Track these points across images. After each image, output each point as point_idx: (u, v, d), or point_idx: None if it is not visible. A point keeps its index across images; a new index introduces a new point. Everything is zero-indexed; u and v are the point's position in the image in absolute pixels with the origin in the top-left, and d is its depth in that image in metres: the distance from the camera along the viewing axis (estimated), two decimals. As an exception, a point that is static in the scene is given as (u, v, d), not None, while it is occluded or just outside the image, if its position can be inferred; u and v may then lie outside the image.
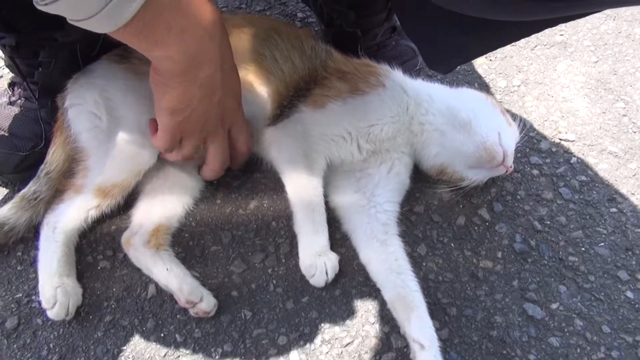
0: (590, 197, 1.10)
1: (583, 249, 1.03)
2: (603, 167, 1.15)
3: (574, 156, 1.16)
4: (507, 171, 1.01)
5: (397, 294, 0.91)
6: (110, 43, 1.12)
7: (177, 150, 0.92)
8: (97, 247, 1.03)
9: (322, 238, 0.98)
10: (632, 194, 1.10)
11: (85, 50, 1.12)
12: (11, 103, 1.13)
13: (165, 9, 0.65)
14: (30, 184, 1.03)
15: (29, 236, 1.03)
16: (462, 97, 1.09)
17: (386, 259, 0.95)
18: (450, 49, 0.94)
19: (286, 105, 1.05)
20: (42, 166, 1.04)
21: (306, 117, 1.02)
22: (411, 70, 1.25)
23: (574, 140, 1.19)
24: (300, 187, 1.00)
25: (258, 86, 1.04)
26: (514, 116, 1.11)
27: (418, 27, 0.98)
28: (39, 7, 0.59)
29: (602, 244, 1.03)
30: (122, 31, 0.63)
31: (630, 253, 1.02)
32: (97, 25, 0.61)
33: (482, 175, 1.02)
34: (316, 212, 0.99)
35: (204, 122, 0.87)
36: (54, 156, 1.05)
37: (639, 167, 1.14)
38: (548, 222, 1.06)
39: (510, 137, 1.03)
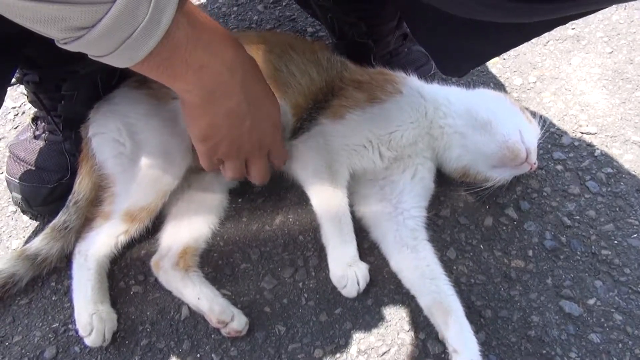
0: (618, 189, 1.08)
1: (615, 241, 1.01)
2: (628, 158, 1.13)
3: (597, 149, 1.15)
4: (531, 168, 1.00)
5: (433, 300, 0.90)
6: (130, 70, 1.14)
7: (222, 171, 0.95)
8: (128, 272, 1.04)
9: (351, 248, 0.98)
10: (661, 182, 1.08)
11: (106, 80, 1.15)
12: (36, 137, 1.16)
13: (183, 45, 0.66)
14: (60, 214, 1.04)
15: (62, 266, 1.04)
16: (480, 98, 1.09)
17: (418, 265, 0.95)
18: (461, 54, 0.94)
19: (306, 119, 1.05)
20: (70, 196, 1.06)
21: (327, 129, 1.03)
22: (426, 75, 1.25)
23: (595, 133, 1.18)
24: (326, 200, 1.00)
25: (281, 100, 1.05)
26: (532, 113, 1.10)
27: (427, 35, 0.98)
28: (59, 46, 0.61)
29: (634, 235, 1.01)
30: (141, 66, 0.65)
31: (664, 243, 1.00)
32: (117, 61, 0.63)
33: (507, 174, 1.02)
34: (343, 223, 0.99)
35: (238, 147, 0.88)
36: (81, 185, 1.06)
37: (665, 155, 1.13)
38: (577, 217, 1.05)
39: (532, 134, 1.03)
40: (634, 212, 1.05)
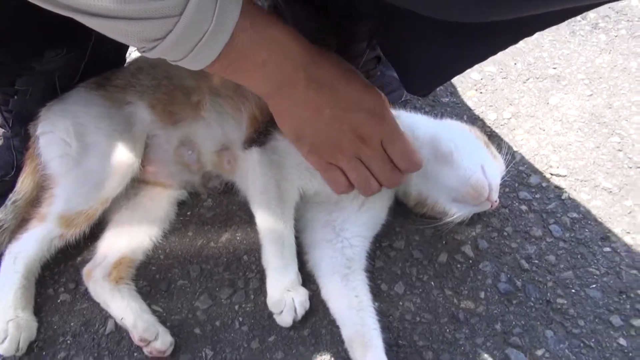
0: (582, 236, 1.03)
1: (573, 290, 0.96)
2: (596, 204, 1.08)
3: (566, 192, 1.10)
4: (491, 206, 0.95)
5: (356, 332, 0.86)
6: (91, 73, 1.11)
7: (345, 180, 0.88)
8: (59, 279, 0.99)
9: (291, 273, 0.93)
10: (627, 232, 1.03)
11: (65, 80, 1.11)
12: (-15, 131, 1.12)
13: (248, 47, 0.71)
14: (-4, 213, 1.00)
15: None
16: (445, 129, 1.05)
17: (347, 294, 0.90)
18: (427, 68, 0.91)
19: (262, 132, 1.01)
20: (11, 195, 1.02)
21: (280, 145, 0.99)
22: (396, 102, 1.22)
23: (565, 176, 1.14)
24: (271, 219, 0.95)
25: (234, 111, 1.02)
26: (500, 148, 1.06)
27: (395, 45, 0.95)
28: (140, 53, 0.67)
29: (593, 285, 0.96)
30: (212, 68, 0.70)
31: (624, 296, 0.94)
32: (190, 64, 0.69)
33: (467, 210, 0.97)
34: (286, 245, 0.94)
35: (335, 143, 0.84)
36: (23, 185, 1.02)
37: (635, 204, 1.08)
38: (536, 261, 1.00)
39: (495, 170, 0.98)
40: (595, 261, 0.99)
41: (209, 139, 1.03)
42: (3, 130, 1.11)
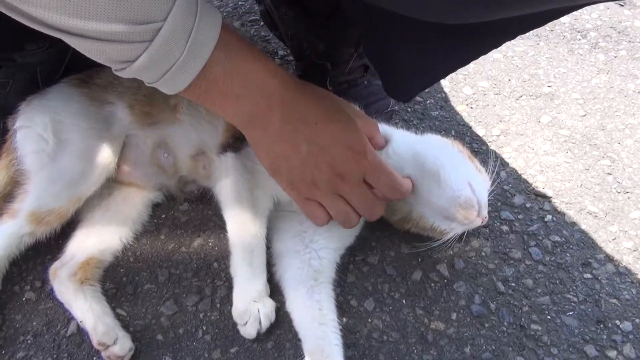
0: (562, 260, 1.01)
1: (549, 317, 0.93)
2: (580, 228, 1.05)
3: (549, 214, 1.08)
4: (482, 222, 0.93)
5: (316, 345, 0.83)
6: (75, 69, 1.10)
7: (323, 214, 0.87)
8: (27, 276, 0.98)
9: (259, 283, 0.91)
10: (610, 259, 1.00)
11: (47, 75, 1.10)
12: (-35, 122, 1.11)
13: (220, 79, 0.70)
14: (-32, 206, 0.99)
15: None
16: (427, 145, 1.02)
17: (311, 306, 0.88)
18: (410, 71, 0.89)
19: (239, 137, 1.00)
20: (-17, 189, 1.00)
21: None
22: (382, 111, 1.19)
23: (551, 197, 1.11)
24: (241, 226, 0.94)
25: (211, 116, 1.00)
26: (486, 165, 1.03)
27: (378, 49, 0.93)
28: (115, 73, 0.67)
29: (570, 313, 0.93)
30: (183, 94, 0.71)
31: (601, 326, 0.91)
32: (163, 89, 0.69)
33: (459, 228, 0.94)
34: (255, 254, 0.92)
35: (311, 177, 0.82)
36: (-3, 179, 1.01)
37: (621, 230, 1.05)
38: (513, 284, 0.97)
39: (482, 186, 0.96)
40: (574, 287, 0.97)
41: (184, 143, 1.02)
42: (-18, 122, 1.10)
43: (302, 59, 1.20)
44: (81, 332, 0.90)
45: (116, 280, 0.97)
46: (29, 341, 0.89)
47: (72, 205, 0.96)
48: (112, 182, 1.04)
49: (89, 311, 0.88)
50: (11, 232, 0.94)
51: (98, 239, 0.99)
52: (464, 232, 0.96)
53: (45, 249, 0.99)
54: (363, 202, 0.85)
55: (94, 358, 0.87)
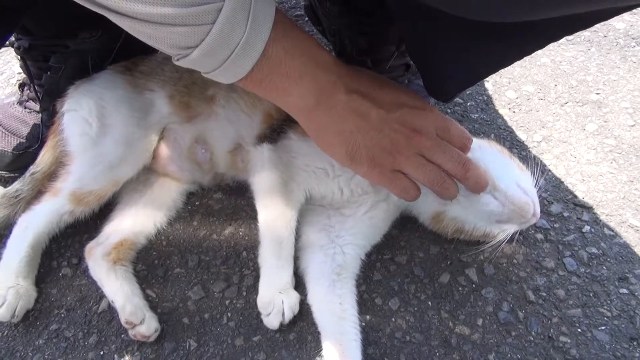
0: (598, 273, 0.97)
1: (579, 330, 0.90)
2: (619, 241, 1.01)
3: (588, 225, 1.04)
4: (536, 220, 0.91)
5: (334, 340, 0.83)
6: (124, 56, 1.14)
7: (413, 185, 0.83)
8: (64, 253, 1.02)
9: (286, 275, 0.92)
10: (650, 275, 0.96)
11: (98, 61, 1.14)
12: (19, 103, 1.17)
13: (282, 60, 0.69)
14: (15, 182, 1.04)
15: (4, 233, 1.02)
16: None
17: (332, 300, 0.88)
18: (450, 71, 0.88)
19: (276, 129, 1.01)
20: (31, 167, 1.05)
21: (293, 145, 0.98)
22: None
23: (590, 207, 1.07)
24: (273, 217, 0.95)
25: (249, 107, 1.01)
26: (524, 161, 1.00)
27: (420, 47, 0.92)
28: (174, 62, 0.67)
29: (603, 327, 0.90)
30: (245, 82, 0.69)
31: (635, 343, 0.88)
32: (223, 77, 0.68)
33: (512, 229, 0.92)
34: (284, 246, 0.93)
35: (391, 145, 0.79)
36: (43, 158, 1.06)
37: (663, 246, 1.00)
38: (544, 294, 0.95)
39: (529, 183, 0.94)
40: (609, 301, 0.93)
41: (222, 138, 1.04)
42: (33, 103, 1.15)
43: (344, 55, 1.20)
44: (112, 310, 0.93)
45: (148, 263, 1.00)
46: (62, 315, 0.93)
47: (111, 188, 1.00)
48: (150, 170, 1.07)
49: (119, 290, 0.90)
50: (53, 210, 0.98)
51: (133, 222, 1.02)
52: (516, 232, 0.94)
53: (83, 228, 1.03)
54: (448, 154, 0.81)
55: (122, 335, 0.90)
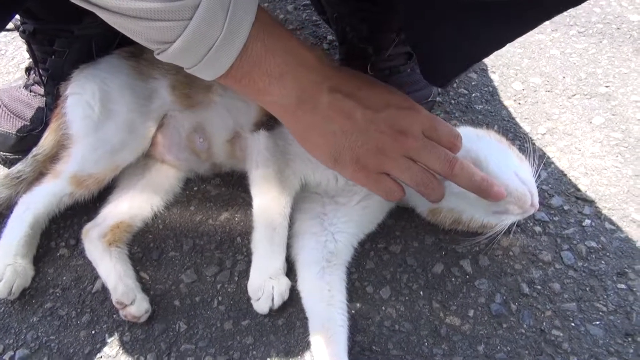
0: (596, 267, 0.95)
1: (573, 324, 0.88)
2: (620, 236, 0.99)
3: (589, 218, 1.02)
4: (535, 210, 0.90)
5: (321, 326, 0.84)
6: (129, 41, 1.15)
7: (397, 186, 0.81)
8: (63, 234, 1.04)
9: (277, 261, 0.92)
10: (650, 271, 0.94)
11: (103, 46, 1.15)
12: (25, 87, 1.19)
13: (262, 58, 0.69)
14: (18, 164, 1.06)
15: (6, 213, 1.04)
16: (465, 137, 0.99)
17: (320, 287, 0.88)
18: (447, 54, 0.86)
19: (272, 116, 1.01)
20: (34, 149, 1.07)
21: (289, 132, 0.97)
22: (422, 101, 1.17)
23: (592, 201, 1.05)
24: (267, 203, 0.95)
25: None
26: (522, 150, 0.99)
27: (416, 31, 0.91)
28: (155, 56, 0.67)
29: (597, 322, 0.88)
30: (225, 79, 0.69)
31: (629, 339, 0.86)
32: (203, 73, 0.68)
33: (510, 219, 0.90)
34: (277, 232, 0.93)
35: (377, 146, 0.78)
36: (46, 141, 1.07)
37: (666, 242, 0.98)
38: (538, 287, 0.93)
39: (528, 173, 0.92)
40: (605, 296, 0.91)
41: (221, 127, 1.04)
42: (38, 87, 1.16)
43: (345, 42, 1.20)
44: (105, 291, 0.94)
45: (144, 245, 1.01)
46: (57, 294, 0.95)
47: (110, 172, 1.01)
48: (148, 156, 1.08)
49: (112, 271, 0.92)
50: (53, 192, 1.00)
51: (130, 205, 1.03)
52: (513, 224, 0.92)
53: (83, 210, 1.05)
54: (435, 153, 0.79)
55: (114, 316, 0.91)
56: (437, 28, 0.83)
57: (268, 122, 1.00)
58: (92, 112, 1.04)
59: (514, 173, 0.89)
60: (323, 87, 0.76)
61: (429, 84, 1.18)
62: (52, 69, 1.14)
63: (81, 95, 1.06)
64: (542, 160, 1.09)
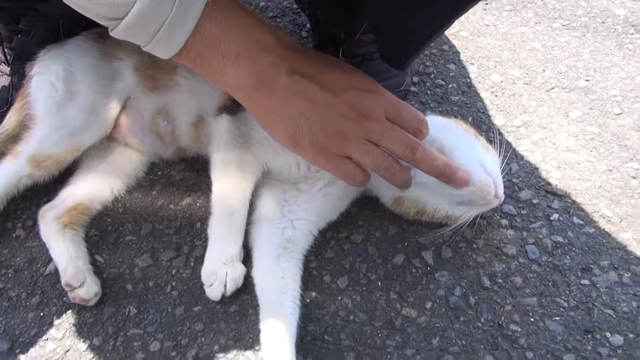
0: (560, 262, 0.93)
1: (532, 319, 0.86)
2: (588, 231, 0.97)
3: (557, 213, 0.99)
4: (499, 202, 0.88)
5: (271, 314, 0.82)
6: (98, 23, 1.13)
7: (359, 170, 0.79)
8: (21, 215, 1.02)
9: (233, 247, 0.90)
10: (615, 267, 0.91)
11: (70, 26, 1.14)
12: (-8, 67, 1.17)
13: (216, 38, 0.67)
14: (-21, 144, 1.04)
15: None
16: (434, 125, 0.96)
17: (274, 273, 0.86)
18: (401, 34, 0.85)
19: (236, 101, 0.99)
20: (-4, 129, 1.05)
21: (251, 117, 0.95)
22: (394, 89, 1.14)
23: (562, 196, 1.02)
24: (227, 189, 0.93)
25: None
26: (489, 140, 0.96)
27: (377, 11, 0.89)
28: (110, 33, 0.65)
29: (557, 318, 0.86)
30: (179, 58, 0.68)
31: (589, 336, 0.83)
32: (157, 52, 0.66)
33: (474, 211, 0.89)
34: (235, 218, 0.91)
35: (336, 129, 0.75)
36: (9, 121, 1.06)
37: (634, 238, 0.95)
38: (500, 281, 0.91)
39: (494, 164, 0.90)
40: (567, 292, 0.89)
41: (185, 110, 1.02)
42: (5, 66, 1.15)
43: (318, 28, 1.17)
44: (58, 273, 0.91)
45: (101, 229, 0.99)
46: (9, 275, 0.93)
47: (71, 154, 0.99)
48: (112, 140, 1.06)
49: (64, 253, 0.90)
50: (11, 172, 0.99)
51: (89, 188, 1.01)
52: (477, 216, 0.91)
53: (43, 192, 1.03)
54: (397, 137, 0.77)
55: (64, 298, 0.89)
56: (390, 7, 0.81)
57: (231, 107, 0.98)
58: (55, 92, 1.02)
59: (479, 163, 0.87)
60: (281, 68, 0.74)
61: (390, 67, 1.15)
62: (18, 48, 1.12)
63: (45, 76, 1.04)
64: (510, 153, 1.07)
